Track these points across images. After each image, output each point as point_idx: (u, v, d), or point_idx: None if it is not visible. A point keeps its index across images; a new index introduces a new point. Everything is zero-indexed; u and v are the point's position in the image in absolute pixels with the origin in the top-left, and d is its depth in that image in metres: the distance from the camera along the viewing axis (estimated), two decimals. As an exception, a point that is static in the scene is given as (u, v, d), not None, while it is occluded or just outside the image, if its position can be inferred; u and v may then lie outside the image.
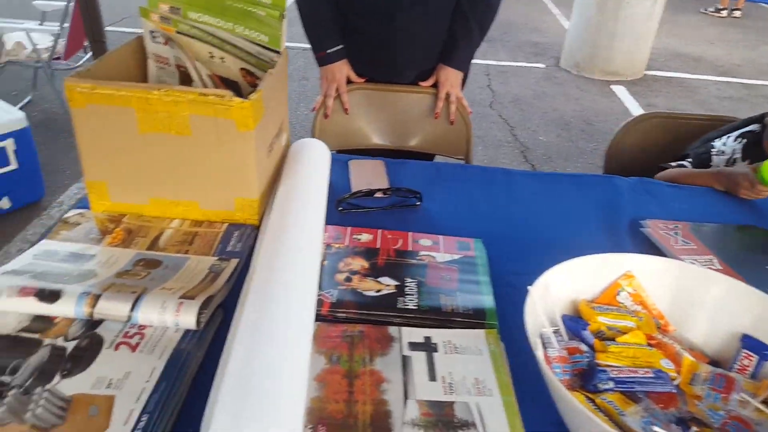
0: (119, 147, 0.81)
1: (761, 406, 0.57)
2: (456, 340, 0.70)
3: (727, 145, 1.36)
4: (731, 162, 1.35)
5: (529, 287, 0.62)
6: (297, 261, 0.72)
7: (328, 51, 1.46)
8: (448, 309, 0.74)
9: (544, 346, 0.61)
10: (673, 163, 1.37)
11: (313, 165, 0.96)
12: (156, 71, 0.93)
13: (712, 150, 1.37)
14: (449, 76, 1.50)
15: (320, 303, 0.72)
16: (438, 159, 1.64)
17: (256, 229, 0.87)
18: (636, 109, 3.93)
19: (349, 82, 1.52)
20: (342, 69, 1.48)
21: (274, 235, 0.77)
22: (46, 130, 3.01)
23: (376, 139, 1.61)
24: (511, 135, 3.48)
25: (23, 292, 0.68)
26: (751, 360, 0.63)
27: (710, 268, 0.87)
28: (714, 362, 0.65)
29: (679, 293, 0.69)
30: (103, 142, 0.81)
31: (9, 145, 2.24)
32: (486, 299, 0.76)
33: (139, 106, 0.75)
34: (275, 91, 0.92)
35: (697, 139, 1.45)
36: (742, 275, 0.87)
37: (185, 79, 0.92)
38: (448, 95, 1.51)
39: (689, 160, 1.37)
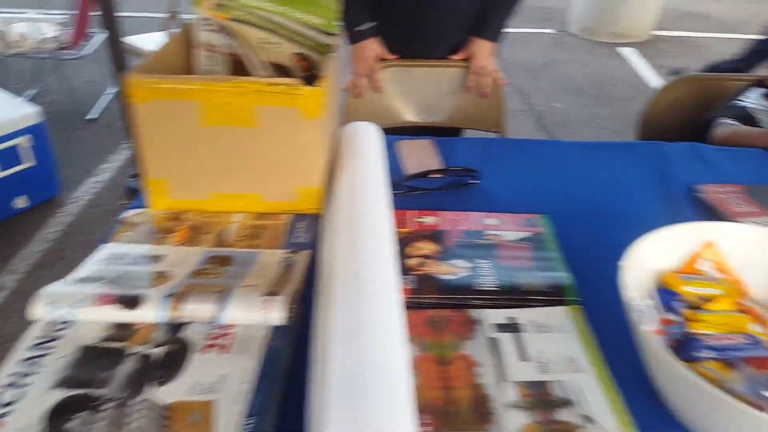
0: (182, 142, 0.80)
1: None
2: (541, 319, 0.70)
3: (756, 102, 1.35)
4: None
5: (619, 263, 0.62)
6: (375, 250, 0.71)
7: (361, 28, 1.43)
8: (526, 288, 0.74)
9: (641, 321, 0.61)
10: (727, 120, 1.35)
11: (368, 149, 0.95)
12: (205, 61, 0.91)
13: (747, 108, 1.35)
14: (482, 48, 1.48)
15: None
16: (469, 134, 1.63)
17: (319, 218, 0.86)
18: (646, 72, 3.88)
19: (381, 60, 1.50)
20: (375, 46, 1.46)
21: (345, 225, 0.76)
22: (53, 123, 2.99)
23: (408, 116, 1.60)
24: (525, 103, 3.44)
25: (104, 299, 0.66)
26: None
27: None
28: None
29: (758, 258, 0.69)
30: (165, 138, 0.80)
31: (25, 142, 2.20)
32: (563, 276, 0.76)
33: (204, 98, 0.74)
34: (334, 76, 0.91)
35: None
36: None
37: (236, 68, 0.90)
38: (481, 68, 1.49)
39: (735, 120, 1.35)
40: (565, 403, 0.59)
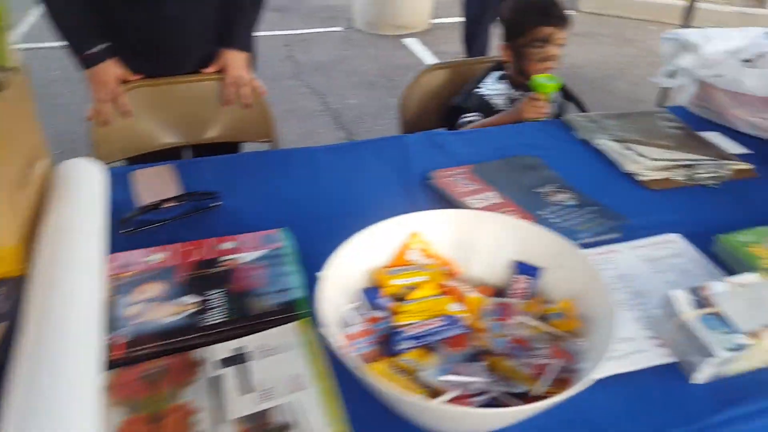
0: None
1: (534, 323, 0.65)
2: (270, 341, 0.68)
3: (493, 88, 1.51)
4: (510, 99, 1.50)
5: (317, 273, 0.62)
6: (70, 310, 0.64)
7: (92, 51, 1.30)
8: (257, 311, 0.72)
9: (347, 326, 0.63)
10: (469, 116, 1.48)
11: (80, 189, 0.85)
12: None
13: (485, 96, 1.50)
14: (234, 59, 1.43)
15: (111, 347, 0.66)
16: (248, 147, 1.59)
17: (22, 280, 0.75)
18: (428, 58, 4.18)
19: (124, 82, 1.38)
20: (113, 69, 1.34)
21: (41, 285, 0.67)
22: None
23: (170, 138, 1.50)
24: (322, 103, 3.50)
25: None
26: (525, 283, 0.71)
27: (492, 203, 0.97)
28: (500, 293, 0.73)
29: (461, 237, 0.75)
30: None
31: None
32: (296, 290, 0.76)
33: None
34: (12, 117, 0.79)
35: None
36: (517, 202, 0.99)
37: None
38: (237, 78, 1.45)
39: (476, 113, 1.49)
40: (284, 428, 0.58)
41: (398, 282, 0.69)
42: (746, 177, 1.10)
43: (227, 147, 1.57)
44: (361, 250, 0.69)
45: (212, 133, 1.53)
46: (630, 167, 1.09)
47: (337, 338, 0.56)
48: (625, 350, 0.70)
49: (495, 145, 1.20)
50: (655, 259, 0.87)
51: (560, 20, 1.40)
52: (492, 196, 1.00)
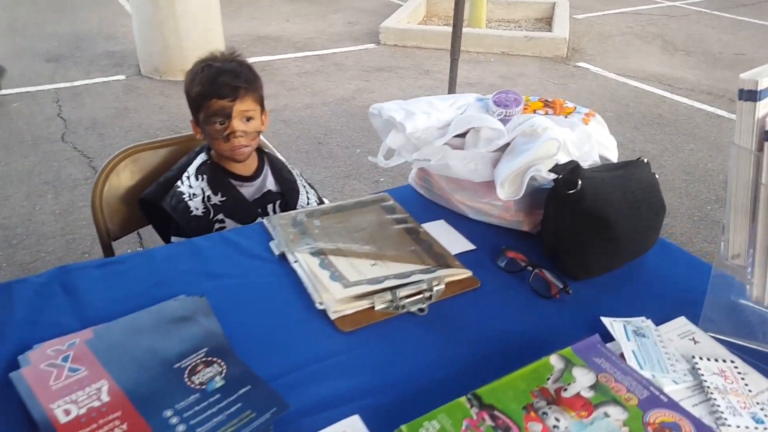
0: None
1: None
2: None
3: (193, 186, 1.19)
4: (207, 199, 1.18)
5: None
6: None
7: None
8: None
9: None
10: None
11: None
12: None
13: (184, 196, 1.18)
14: None
15: None
16: None
17: None
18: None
19: None
20: None
21: None
22: None
23: None
24: (90, 168, 2.97)
25: None
26: None
27: (90, 409, 0.64)
28: None
29: None
30: None
31: None
32: None
33: None
34: None
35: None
36: (135, 399, 0.66)
37: None
38: None
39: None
40: None
41: None
42: (466, 289, 0.89)
43: None
44: None
45: None
46: (318, 299, 0.82)
47: None
48: None
49: (150, 280, 0.88)
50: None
51: (231, 92, 1.13)
52: (98, 392, 0.67)
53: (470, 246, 0.99)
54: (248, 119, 1.17)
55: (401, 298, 0.83)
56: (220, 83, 1.13)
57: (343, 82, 4.28)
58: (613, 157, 1.03)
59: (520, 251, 0.94)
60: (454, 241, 0.99)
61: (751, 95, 0.63)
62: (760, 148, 0.65)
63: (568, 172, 0.85)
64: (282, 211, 1.24)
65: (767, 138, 0.65)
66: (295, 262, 0.90)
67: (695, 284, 0.85)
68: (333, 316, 0.80)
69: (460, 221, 1.06)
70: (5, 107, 3.65)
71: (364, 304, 0.82)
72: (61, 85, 4.01)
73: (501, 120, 0.98)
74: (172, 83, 4.09)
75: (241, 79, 1.16)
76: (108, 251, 1.26)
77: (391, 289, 0.84)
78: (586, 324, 0.82)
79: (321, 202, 1.32)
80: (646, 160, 0.93)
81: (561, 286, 0.87)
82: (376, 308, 0.82)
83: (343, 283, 0.84)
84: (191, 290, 0.84)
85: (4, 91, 3.80)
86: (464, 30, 5.30)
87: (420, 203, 1.12)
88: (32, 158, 3.04)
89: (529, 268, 0.90)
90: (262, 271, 0.91)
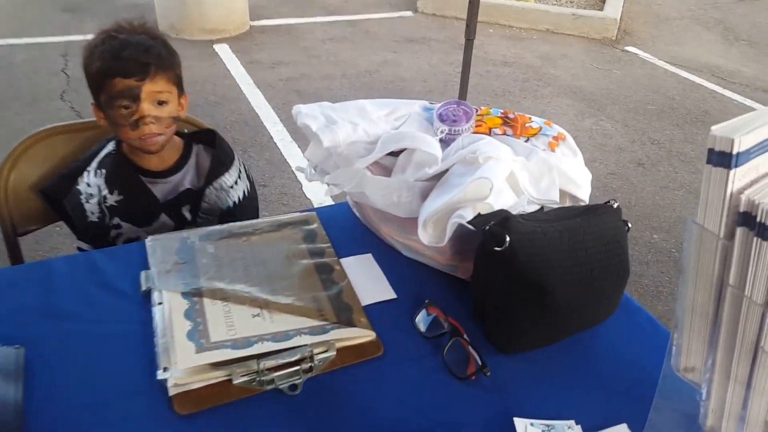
0: None
1: None
2: None
3: (91, 184, 1.02)
4: (103, 200, 1.01)
5: None
6: None
7: None
8: None
9: None
10: None
11: None
12: None
13: (81, 197, 1.01)
14: None
15: None
16: None
17: None
18: (237, 69, 3.63)
19: None
20: None
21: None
22: None
23: None
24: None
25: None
26: None
27: None
28: None
29: None
30: None
31: None
32: None
33: None
34: None
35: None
36: None
37: None
38: None
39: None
40: None
41: None
42: (363, 358, 0.69)
43: None
44: None
45: None
46: (164, 363, 0.64)
47: None
48: None
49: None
50: None
51: (139, 69, 0.94)
52: None
53: (391, 294, 0.78)
54: (161, 103, 0.97)
55: (267, 371, 0.64)
56: (125, 58, 0.93)
57: (370, 53, 4.02)
58: (584, 194, 0.80)
59: (447, 307, 0.74)
60: (373, 286, 0.79)
61: (723, 159, 0.40)
62: (731, 236, 0.42)
63: (496, 224, 0.63)
64: (203, 215, 1.05)
65: (742, 222, 0.41)
66: (159, 304, 0.72)
67: (655, 366, 0.61)
68: (172, 392, 0.62)
69: (391, 257, 0.85)
70: (10, 58, 3.56)
71: (220, 375, 0.64)
72: (73, 37, 3.89)
73: (444, 140, 0.76)
74: (188, 42, 3.92)
75: (152, 54, 0.96)
76: (13, 249, 1.11)
77: (259, 357, 0.65)
78: (503, 416, 0.63)
79: (244, 199, 1.10)
80: (616, 205, 0.70)
81: (480, 364, 0.66)
82: (234, 382, 0.63)
83: (200, 344, 0.66)
84: (19, 334, 0.67)
85: (12, 41, 3.72)
86: (509, 2, 4.93)
87: (353, 229, 0.92)
88: (26, 116, 2.94)
89: (448, 335, 0.70)
90: (120, 314, 0.73)
